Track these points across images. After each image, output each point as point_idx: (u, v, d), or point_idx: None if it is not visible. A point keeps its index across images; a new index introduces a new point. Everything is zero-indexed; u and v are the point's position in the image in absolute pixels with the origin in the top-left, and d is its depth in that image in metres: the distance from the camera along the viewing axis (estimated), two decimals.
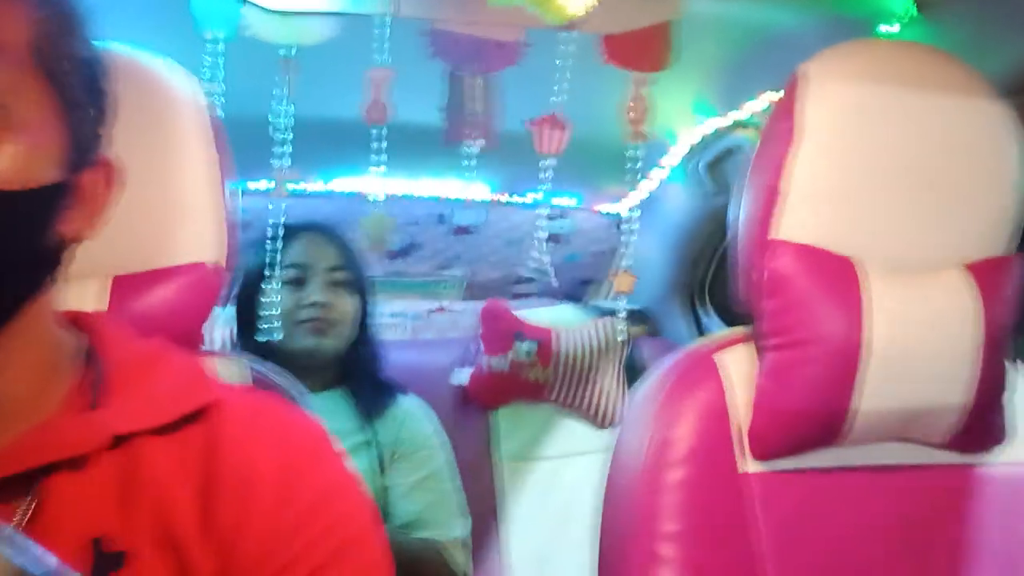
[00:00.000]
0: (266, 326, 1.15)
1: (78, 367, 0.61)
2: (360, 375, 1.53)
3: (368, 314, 1.55)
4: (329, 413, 1.42)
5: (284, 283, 1.46)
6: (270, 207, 1.06)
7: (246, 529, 0.56)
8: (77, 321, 0.65)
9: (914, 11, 1.07)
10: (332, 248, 1.51)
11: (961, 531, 0.88)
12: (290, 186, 1.04)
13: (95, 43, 0.60)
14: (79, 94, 0.57)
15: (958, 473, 0.91)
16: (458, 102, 1.10)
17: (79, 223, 0.58)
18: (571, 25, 1.04)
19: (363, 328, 1.52)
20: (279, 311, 1.16)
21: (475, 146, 1.11)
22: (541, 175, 1.13)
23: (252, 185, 1.66)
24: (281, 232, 1.49)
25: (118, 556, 0.54)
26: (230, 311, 1.51)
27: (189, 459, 0.58)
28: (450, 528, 1.47)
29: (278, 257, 1.11)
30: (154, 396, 0.60)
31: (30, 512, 0.54)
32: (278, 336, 1.16)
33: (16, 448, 0.55)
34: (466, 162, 1.10)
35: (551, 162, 1.13)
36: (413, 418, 1.52)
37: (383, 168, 1.06)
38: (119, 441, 0.57)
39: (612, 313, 1.89)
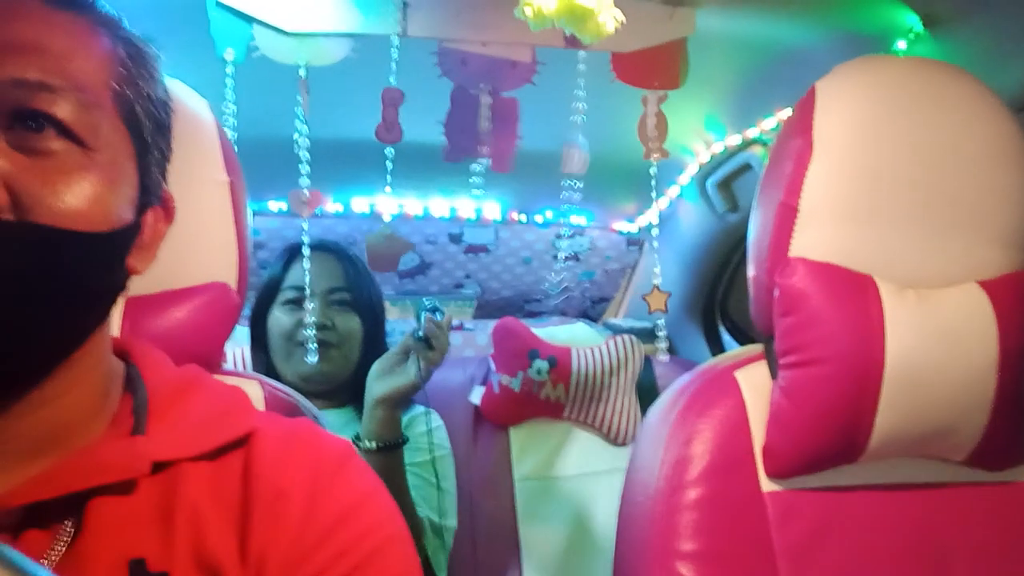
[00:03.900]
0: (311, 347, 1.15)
1: (120, 392, 0.63)
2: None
3: (375, 334, 1.51)
4: (338, 429, 1.42)
5: (284, 304, 1.45)
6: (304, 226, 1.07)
7: (274, 548, 0.57)
8: (117, 347, 0.66)
9: (920, 28, 1.07)
10: (334, 268, 1.48)
11: (982, 550, 0.86)
12: (311, 209, 1.04)
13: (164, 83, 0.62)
14: (151, 135, 0.59)
15: (980, 491, 0.89)
16: (460, 120, 1.10)
17: (139, 257, 0.61)
18: (582, 44, 1.04)
19: (372, 347, 1.49)
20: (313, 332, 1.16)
21: (481, 164, 1.11)
22: (562, 194, 1.13)
23: (271, 206, 1.68)
24: (285, 254, 1.49)
25: None
26: (243, 331, 1.51)
27: (226, 484, 0.59)
28: (437, 512, 1.40)
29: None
30: (194, 424, 0.62)
31: (72, 534, 0.55)
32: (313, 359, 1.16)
33: (60, 472, 0.55)
34: (477, 181, 1.10)
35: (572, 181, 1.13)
36: (420, 422, 1.49)
37: (388, 189, 1.07)
38: (159, 467, 0.58)
39: (626, 331, 1.89)
